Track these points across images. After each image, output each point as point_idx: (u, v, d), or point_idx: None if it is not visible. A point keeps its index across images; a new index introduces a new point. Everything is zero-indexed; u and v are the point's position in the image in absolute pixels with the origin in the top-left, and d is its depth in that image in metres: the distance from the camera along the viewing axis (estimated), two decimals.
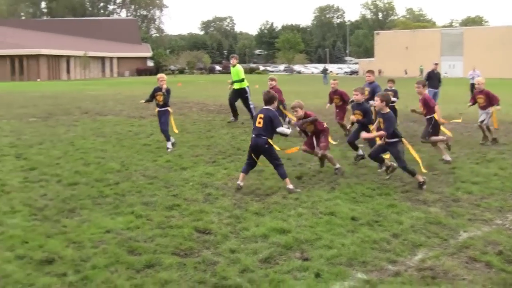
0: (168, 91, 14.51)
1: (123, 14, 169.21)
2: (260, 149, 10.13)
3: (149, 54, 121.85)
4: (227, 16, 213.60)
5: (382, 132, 10.30)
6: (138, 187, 10.18)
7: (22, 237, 7.39)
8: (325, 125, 11.59)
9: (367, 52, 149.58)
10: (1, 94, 43.35)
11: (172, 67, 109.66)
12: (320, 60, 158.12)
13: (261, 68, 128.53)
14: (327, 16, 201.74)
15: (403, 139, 10.43)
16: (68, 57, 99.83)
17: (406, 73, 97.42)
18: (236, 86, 20.42)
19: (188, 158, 12.98)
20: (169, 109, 14.66)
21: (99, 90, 47.05)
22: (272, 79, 18.06)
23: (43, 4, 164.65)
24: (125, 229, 7.74)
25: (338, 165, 11.54)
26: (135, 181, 10.58)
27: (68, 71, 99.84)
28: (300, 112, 11.22)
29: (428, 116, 12.90)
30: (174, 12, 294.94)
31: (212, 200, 9.32)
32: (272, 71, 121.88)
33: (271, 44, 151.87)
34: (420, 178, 10.19)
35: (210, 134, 17.48)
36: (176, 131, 14.96)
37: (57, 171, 11.66)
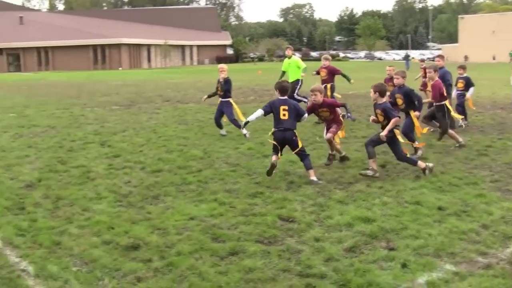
0: (226, 81, 14.54)
1: (202, 2, 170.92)
2: (287, 142, 9.95)
3: (228, 41, 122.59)
4: (306, 2, 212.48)
5: (396, 119, 9.83)
6: (220, 174, 10.20)
7: (108, 223, 7.50)
8: (340, 117, 11.16)
9: (451, 37, 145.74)
10: (84, 83, 44.53)
11: (252, 55, 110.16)
12: (401, 46, 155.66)
13: (341, 55, 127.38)
14: (409, 1, 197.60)
15: (396, 130, 10.01)
16: (148, 46, 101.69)
17: (494, 58, 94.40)
18: (294, 77, 19.65)
19: (270, 146, 12.80)
20: (230, 100, 14.64)
21: (180, 78, 47.65)
22: (326, 59, 18.27)
23: None
24: (208, 216, 7.75)
25: (344, 153, 11.28)
26: (218, 169, 10.61)
27: (149, 60, 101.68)
28: (319, 97, 10.69)
29: (439, 103, 12.68)
30: (253, 0, 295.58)
31: (295, 188, 9.23)
32: (352, 58, 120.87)
33: (351, 30, 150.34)
34: (422, 165, 9.95)
35: None
36: (243, 119, 14.90)
37: (141, 158, 11.84)
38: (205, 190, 9.12)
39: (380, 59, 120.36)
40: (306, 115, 10.27)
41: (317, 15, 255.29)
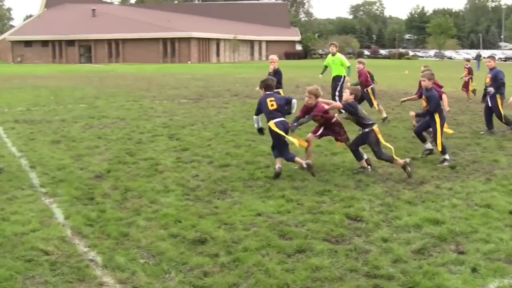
0: (276, 72, 14.62)
1: None
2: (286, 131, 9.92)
3: (297, 38, 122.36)
4: (376, 0, 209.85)
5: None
6: (288, 171, 10.10)
7: (176, 216, 7.54)
8: (336, 116, 10.69)
9: None
10: (153, 75, 45.11)
11: (321, 51, 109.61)
12: (472, 46, 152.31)
13: (411, 53, 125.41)
14: None
15: (374, 128, 10.00)
16: (218, 40, 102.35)
17: None
18: (335, 73, 19.11)
19: (341, 144, 12.72)
20: (280, 91, 14.47)
21: (248, 73, 47.74)
22: (360, 62, 17.97)
23: None
24: (276, 212, 7.70)
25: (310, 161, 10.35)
26: (285, 165, 10.54)
27: (217, 54, 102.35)
28: (313, 101, 10.25)
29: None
30: None
31: (363, 187, 9.10)
32: (422, 57, 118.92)
33: (422, 29, 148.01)
34: (401, 162, 9.79)
35: None
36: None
37: (209, 152, 11.88)
38: (272, 186, 9.07)
39: (450, 58, 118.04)
40: (294, 100, 10.38)
41: (387, 13, 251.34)
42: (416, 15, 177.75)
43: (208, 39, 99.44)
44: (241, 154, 11.65)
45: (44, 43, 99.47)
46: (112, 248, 6.41)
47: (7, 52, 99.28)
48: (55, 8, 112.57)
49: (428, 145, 11.54)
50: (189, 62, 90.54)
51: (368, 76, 17.60)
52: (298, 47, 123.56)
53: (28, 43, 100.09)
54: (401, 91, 28.26)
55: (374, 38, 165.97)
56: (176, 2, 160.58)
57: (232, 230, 7.00)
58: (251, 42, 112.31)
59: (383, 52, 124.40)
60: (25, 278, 5.67)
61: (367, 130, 10.02)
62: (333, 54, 19.05)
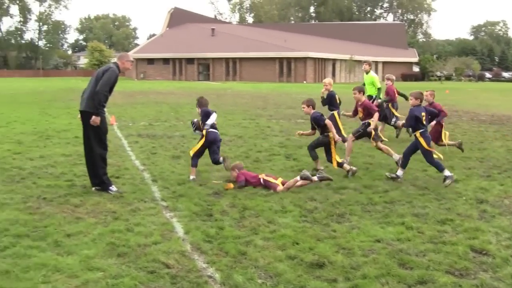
0: (329, 95, 15.13)
1: (390, 18, 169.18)
2: (219, 140, 11.81)
3: (415, 59, 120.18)
4: (499, 20, 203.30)
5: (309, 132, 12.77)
6: (408, 197, 9.86)
7: (293, 237, 7.48)
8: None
9: None
10: (270, 94, 45.56)
11: (439, 73, 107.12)
12: None
13: None
14: None
15: (330, 135, 11.80)
16: (334, 60, 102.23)
17: None
18: (368, 92, 18.44)
19: (460, 170, 12.34)
20: (334, 113, 14.79)
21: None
22: (388, 79, 18.13)
23: (311, 9, 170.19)
24: (395, 240, 7.48)
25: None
26: (405, 191, 10.28)
27: (333, 74, 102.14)
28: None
29: (365, 121, 13.13)
30: (443, 16, 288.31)
31: (488, 218, 8.66)
32: None
33: None
34: (347, 167, 11.45)
35: (483, 146, 16.54)
36: (344, 133, 14.44)
37: (329, 174, 11.76)
38: (391, 212, 8.86)
39: None
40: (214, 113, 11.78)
41: (511, 33, 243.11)
42: None
43: (324, 59, 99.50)
44: (358, 177, 11.48)
45: (165, 60, 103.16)
46: (230, 266, 6.44)
47: (131, 69, 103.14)
48: (177, 27, 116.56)
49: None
50: (304, 81, 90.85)
51: (396, 93, 17.99)
52: (416, 69, 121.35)
53: (150, 61, 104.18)
54: None
55: (497, 60, 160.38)
56: (293, 22, 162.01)
57: (351, 255, 6.86)
58: None
59: (506, 75, 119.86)
60: None
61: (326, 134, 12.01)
62: (367, 72, 18.66)
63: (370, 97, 18.33)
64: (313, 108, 12.27)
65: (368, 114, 13.05)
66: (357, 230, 7.92)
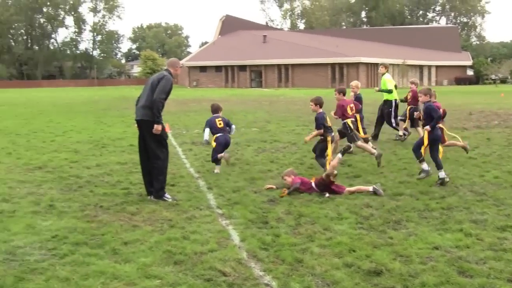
0: (357, 98, 15.45)
1: (442, 21, 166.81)
2: (229, 144, 13.31)
3: (469, 62, 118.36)
4: None
5: (315, 132, 12.69)
6: (466, 203, 9.69)
7: (349, 244, 7.43)
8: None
9: None
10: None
11: (493, 76, 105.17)
12: None
13: None
14: None
15: (328, 138, 12.37)
16: None
17: None
18: (384, 97, 18.59)
19: None
20: (357, 116, 14.56)
21: None
22: (412, 83, 18.42)
23: (363, 14, 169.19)
24: (453, 247, 7.35)
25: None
26: (462, 196, 10.11)
27: None
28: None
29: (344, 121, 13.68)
30: (497, 19, 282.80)
31: None
32: None
33: None
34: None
35: None
36: (362, 134, 14.59)
37: (381, 180, 11.65)
38: (449, 219, 8.71)
39: None
40: (233, 126, 13.66)
41: None
42: None
43: (377, 64, 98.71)
44: (414, 183, 11.34)
45: (218, 68, 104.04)
46: (287, 274, 6.43)
47: (184, 77, 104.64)
48: (229, 35, 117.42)
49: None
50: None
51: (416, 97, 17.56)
52: (469, 72, 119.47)
53: (203, 68, 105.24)
54: None
55: None
56: (344, 27, 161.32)
57: (408, 263, 6.78)
58: (420, 67, 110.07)
59: None
60: None
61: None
62: (382, 74, 18.41)
63: (389, 101, 18.19)
64: (321, 107, 12.74)
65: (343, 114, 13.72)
66: (414, 237, 7.82)
